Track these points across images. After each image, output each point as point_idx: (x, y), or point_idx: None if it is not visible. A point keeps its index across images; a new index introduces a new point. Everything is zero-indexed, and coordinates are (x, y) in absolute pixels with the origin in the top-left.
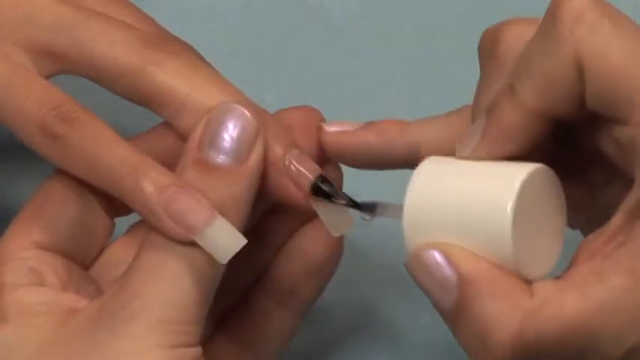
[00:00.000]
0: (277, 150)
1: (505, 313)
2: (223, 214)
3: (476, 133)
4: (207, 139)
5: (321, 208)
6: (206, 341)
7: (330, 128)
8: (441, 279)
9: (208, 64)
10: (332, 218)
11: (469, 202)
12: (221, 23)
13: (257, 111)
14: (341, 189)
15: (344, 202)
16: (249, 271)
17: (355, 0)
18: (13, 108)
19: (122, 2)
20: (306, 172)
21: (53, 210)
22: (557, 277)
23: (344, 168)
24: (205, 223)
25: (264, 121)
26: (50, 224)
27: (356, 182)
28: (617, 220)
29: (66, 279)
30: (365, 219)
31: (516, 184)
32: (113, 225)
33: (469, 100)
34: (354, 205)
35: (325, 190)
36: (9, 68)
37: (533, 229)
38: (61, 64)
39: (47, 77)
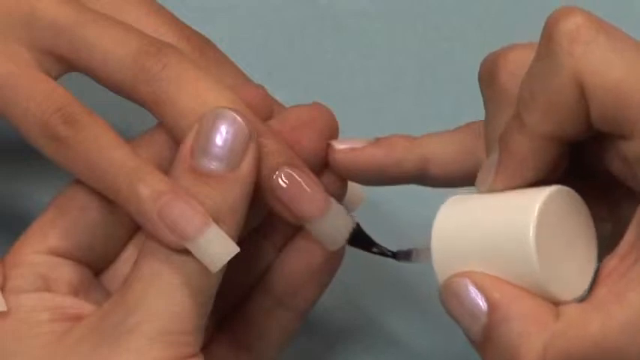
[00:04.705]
0: (269, 164)
1: (531, 335)
2: (219, 222)
3: (491, 168)
4: (199, 145)
5: (313, 227)
6: (207, 341)
7: (340, 146)
8: (470, 306)
9: (207, 64)
10: (325, 235)
11: (492, 231)
12: (231, 22)
13: (251, 118)
14: (343, 197)
15: (380, 252)
16: (250, 271)
17: None
18: (18, 109)
19: None
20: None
21: (74, 216)
22: (584, 300)
23: None
24: (199, 231)
25: (258, 129)
26: (69, 231)
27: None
28: (629, 237)
29: (78, 285)
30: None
31: (535, 208)
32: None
33: (478, 99)
34: (391, 255)
35: (361, 241)
36: (14, 68)
37: (560, 251)
38: (65, 66)
39: (55, 77)
